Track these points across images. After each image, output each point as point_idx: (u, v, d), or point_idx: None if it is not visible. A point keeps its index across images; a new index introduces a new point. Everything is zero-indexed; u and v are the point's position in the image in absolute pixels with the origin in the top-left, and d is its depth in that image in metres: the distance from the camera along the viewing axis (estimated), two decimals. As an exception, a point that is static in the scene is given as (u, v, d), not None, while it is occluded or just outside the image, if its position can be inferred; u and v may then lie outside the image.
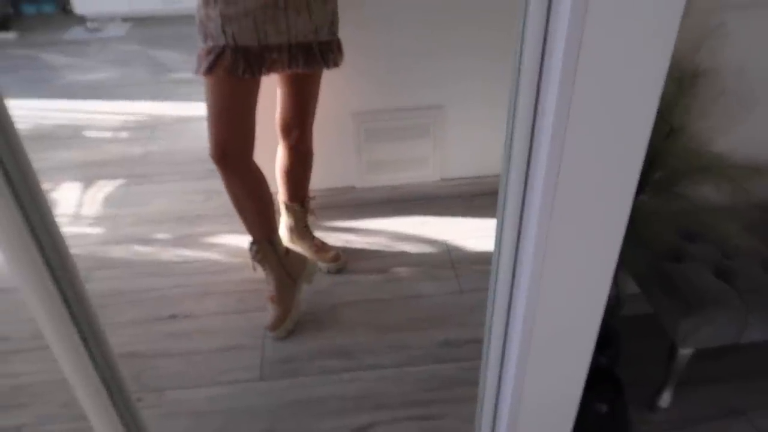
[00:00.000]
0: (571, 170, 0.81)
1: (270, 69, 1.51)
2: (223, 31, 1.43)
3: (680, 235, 1.48)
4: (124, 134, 2.93)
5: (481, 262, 2.06)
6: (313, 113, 1.80)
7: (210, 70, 1.46)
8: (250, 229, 1.74)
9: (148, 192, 2.47)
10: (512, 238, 0.95)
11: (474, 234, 2.19)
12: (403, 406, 1.59)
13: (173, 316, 1.88)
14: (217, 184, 2.49)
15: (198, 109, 3.12)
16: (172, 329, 1.84)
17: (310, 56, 1.57)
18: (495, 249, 0.99)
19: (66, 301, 0.98)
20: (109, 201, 2.42)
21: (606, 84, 0.73)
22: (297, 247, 2.01)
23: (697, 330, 1.31)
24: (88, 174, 2.61)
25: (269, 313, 1.79)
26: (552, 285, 0.90)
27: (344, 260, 2.04)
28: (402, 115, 2.19)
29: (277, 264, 1.77)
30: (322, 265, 2.02)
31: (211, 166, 2.63)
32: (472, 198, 2.37)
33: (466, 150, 2.31)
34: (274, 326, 1.77)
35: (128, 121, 3.06)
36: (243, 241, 2.17)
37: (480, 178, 2.37)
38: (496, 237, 0.99)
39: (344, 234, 2.19)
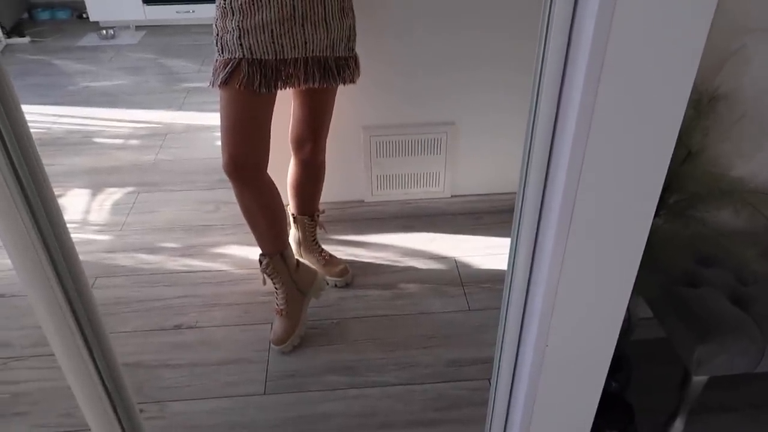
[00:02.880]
0: (589, 192, 0.79)
1: (285, 83, 1.51)
2: (240, 44, 1.43)
3: (696, 259, 1.46)
4: (134, 142, 2.94)
5: (490, 280, 2.04)
6: (327, 128, 1.79)
7: (225, 83, 1.46)
8: (262, 242, 1.72)
9: (157, 200, 2.47)
10: (526, 259, 0.93)
11: (483, 252, 2.17)
12: (408, 426, 1.56)
13: (178, 327, 1.86)
14: (226, 194, 2.50)
15: (209, 118, 3.13)
16: (177, 340, 1.82)
17: (326, 71, 1.57)
18: (508, 270, 0.97)
19: (73, 309, 0.97)
20: (117, 208, 2.42)
21: (627, 106, 0.72)
22: (305, 260, 2.00)
23: (712, 358, 1.28)
24: (97, 181, 2.60)
25: (276, 327, 1.77)
26: (566, 309, 0.88)
27: (352, 275, 2.02)
28: (413, 131, 2.18)
29: (288, 278, 1.75)
30: (330, 279, 2.00)
31: (221, 176, 2.63)
32: (482, 215, 2.35)
33: (477, 167, 2.29)
34: (281, 340, 1.75)
35: (139, 128, 3.06)
36: (250, 252, 2.16)
37: (490, 196, 2.36)
38: (509, 258, 0.97)
39: (352, 248, 2.17)
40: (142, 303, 1.95)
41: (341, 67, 1.60)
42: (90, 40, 4.22)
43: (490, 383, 1.68)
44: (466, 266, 2.11)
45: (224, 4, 1.44)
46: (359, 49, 1.66)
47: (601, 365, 0.93)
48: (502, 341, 0.97)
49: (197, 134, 2.99)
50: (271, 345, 1.77)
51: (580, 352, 0.92)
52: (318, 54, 1.53)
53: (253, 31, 1.42)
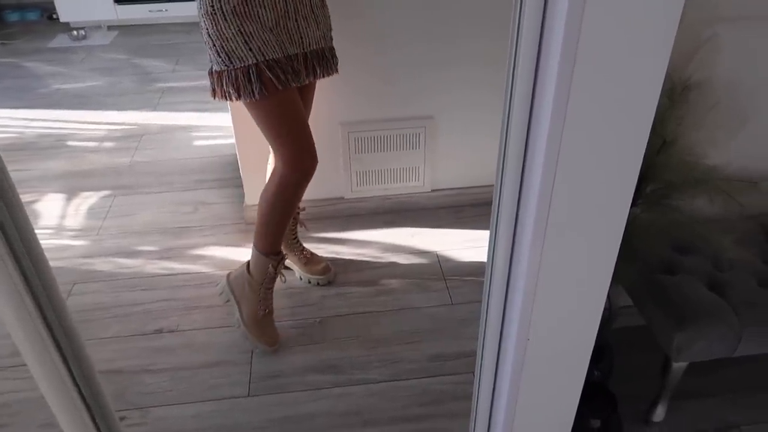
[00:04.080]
0: (565, 184, 0.79)
1: (297, 79, 1.51)
2: (249, 49, 1.41)
3: (673, 247, 1.47)
4: (109, 144, 2.89)
5: (472, 273, 2.04)
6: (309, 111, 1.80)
7: (264, 90, 1.44)
8: (279, 239, 1.71)
9: (134, 203, 2.43)
10: (505, 253, 0.93)
11: (465, 245, 2.17)
12: (393, 422, 1.56)
13: (158, 331, 1.83)
14: (203, 195, 2.47)
15: (185, 118, 3.09)
16: (158, 344, 1.79)
17: (324, 62, 1.60)
18: (487, 265, 0.97)
19: (44, 316, 0.95)
20: (93, 213, 2.38)
21: (601, 96, 0.72)
22: (286, 259, 1.99)
23: (691, 344, 1.30)
24: (71, 185, 2.56)
25: (267, 331, 1.75)
26: (547, 300, 0.88)
27: (334, 272, 2.01)
28: (392, 126, 2.17)
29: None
30: (312, 277, 1.98)
31: (199, 176, 2.60)
32: (462, 208, 2.35)
33: (457, 160, 2.29)
34: (276, 340, 1.76)
35: (113, 130, 3.01)
36: (229, 253, 2.14)
37: (471, 189, 2.36)
38: (489, 253, 0.97)
39: (333, 245, 2.16)
40: (121, 308, 1.92)
41: (333, 56, 1.64)
42: (61, 41, 4.14)
43: (474, 377, 1.68)
44: (448, 260, 2.11)
45: (212, 10, 1.39)
46: (336, 45, 1.66)
47: (583, 356, 0.94)
48: (484, 336, 0.97)
49: (173, 134, 2.95)
50: (255, 347, 1.75)
51: (561, 344, 0.92)
52: (314, 47, 1.55)
53: (257, 34, 1.41)
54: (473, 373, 1.69)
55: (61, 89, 3.49)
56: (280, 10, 1.43)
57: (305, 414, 1.58)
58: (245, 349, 1.77)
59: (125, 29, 4.32)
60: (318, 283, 1.98)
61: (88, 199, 2.46)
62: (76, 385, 1.05)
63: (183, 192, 2.49)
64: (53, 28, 4.30)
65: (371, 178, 2.28)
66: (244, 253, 2.14)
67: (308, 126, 1.59)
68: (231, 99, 1.46)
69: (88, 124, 3.09)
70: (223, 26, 1.39)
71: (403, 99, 2.14)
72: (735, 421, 1.53)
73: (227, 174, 2.57)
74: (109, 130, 3.02)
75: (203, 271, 2.07)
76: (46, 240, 2.23)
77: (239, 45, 1.40)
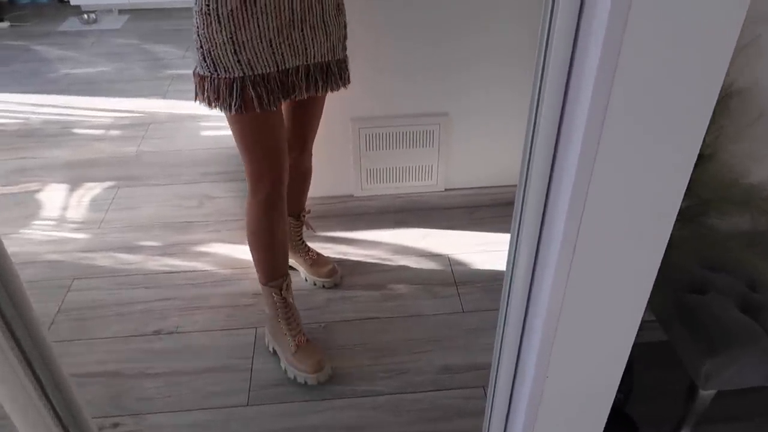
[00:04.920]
0: (600, 200, 0.69)
1: (289, 94, 1.38)
2: (237, 60, 1.27)
3: (704, 265, 1.37)
4: (115, 132, 2.82)
5: (485, 279, 1.95)
6: (315, 133, 1.68)
7: (241, 108, 1.32)
8: (273, 267, 1.60)
9: (138, 195, 2.36)
10: (525, 276, 0.84)
11: (478, 248, 2.08)
12: (399, 439, 1.48)
13: (158, 332, 1.77)
14: (209, 188, 2.40)
15: (194, 107, 3.00)
16: (157, 346, 1.73)
17: (329, 77, 1.45)
18: (504, 291, 0.88)
19: (2, 314, 0.87)
20: (96, 204, 2.32)
21: (647, 102, 0.62)
22: (290, 261, 1.91)
23: (721, 371, 1.20)
24: (75, 174, 2.50)
25: (306, 359, 1.61)
26: (571, 336, 0.79)
27: (340, 275, 1.93)
28: (405, 122, 2.08)
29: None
30: (318, 279, 1.91)
31: (206, 169, 2.53)
32: (477, 209, 2.26)
33: (472, 159, 2.20)
34: (321, 365, 1.61)
35: (121, 118, 2.94)
36: (234, 250, 2.07)
37: (486, 189, 2.26)
38: (506, 276, 0.88)
39: (341, 245, 2.08)
40: (120, 306, 1.86)
41: (342, 69, 1.48)
42: (71, 24, 4.07)
43: (484, 391, 1.60)
44: (460, 264, 2.02)
45: (207, 10, 1.24)
46: (349, 35, 1.54)
47: (607, 398, 0.85)
48: (497, 370, 0.88)
49: (182, 124, 2.87)
50: (255, 351, 1.69)
51: (584, 383, 0.83)
52: (320, 59, 1.40)
53: (250, 44, 1.26)
54: (484, 387, 1.62)
55: (70, 74, 3.43)
56: (286, 18, 1.28)
57: (307, 427, 1.51)
58: (246, 354, 1.70)
59: (136, 13, 4.24)
60: (324, 286, 1.90)
61: (92, 190, 2.40)
62: (45, 393, 0.97)
63: (188, 185, 2.41)
64: (64, 11, 4.24)
65: (382, 176, 2.19)
66: (247, 252, 2.06)
67: (279, 146, 1.44)
68: (210, 106, 1.36)
69: (95, 111, 3.02)
70: (215, 29, 1.25)
71: (418, 95, 2.04)
72: (762, 449, 1.44)
73: (233, 167, 2.50)
74: (116, 117, 2.95)
75: (206, 269, 2.00)
76: (47, 232, 2.17)
77: (227, 54, 1.27)
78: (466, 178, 2.24)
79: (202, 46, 1.29)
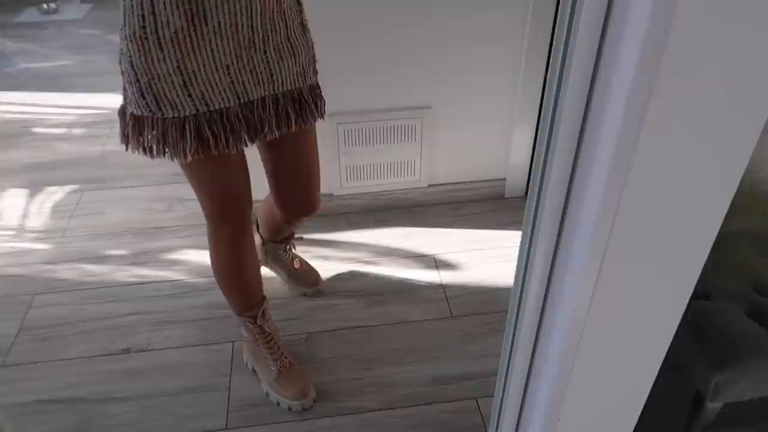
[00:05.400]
0: (639, 200, 0.58)
1: (258, 134, 1.15)
2: (189, 95, 1.04)
3: (708, 267, 1.29)
4: (78, 131, 2.66)
5: (473, 280, 1.86)
6: (318, 173, 1.41)
7: (198, 153, 1.09)
8: (243, 299, 1.48)
9: (104, 200, 2.22)
10: (536, 303, 0.73)
11: (465, 247, 1.99)
12: (388, 460, 1.39)
13: (126, 351, 1.65)
14: (179, 190, 2.26)
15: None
16: (125, 366, 1.61)
17: (302, 107, 1.21)
18: (509, 320, 0.78)
19: None
20: (58, 211, 2.17)
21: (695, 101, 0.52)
22: (272, 270, 1.80)
23: (731, 386, 1.12)
24: (36, 178, 2.34)
25: (288, 384, 1.50)
26: (589, 373, 0.70)
27: (324, 284, 1.82)
28: (385, 117, 1.96)
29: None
30: (300, 290, 1.80)
31: (175, 169, 2.38)
32: (462, 205, 2.16)
33: (456, 153, 2.09)
34: (305, 392, 1.50)
35: (84, 115, 2.78)
36: (208, 257, 1.94)
37: (471, 183, 2.16)
38: (512, 301, 0.78)
39: (321, 248, 1.97)
40: (86, 323, 1.74)
41: (317, 97, 1.25)
42: (30, 15, 3.85)
43: (477, 404, 1.52)
44: (447, 265, 1.92)
45: (144, 33, 0.98)
46: (324, 28, 1.37)
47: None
48: (500, 408, 0.79)
49: (149, 120, 2.72)
50: (235, 372, 1.58)
51: (600, 423, 0.74)
52: (290, 87, 1.17)
53: (203, 73, 1.03)
54: (476, 399, 1.54)
55: (29, 68, 3.24)
56: (245, 38, 1.04)
57: (289, 451, 1.41)
58: (223, 372, 1.59)
59: (100, 2, 4.04)
60: (305, 294, 1.79)
61: (54, 195, 2.25)
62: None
63: (157, 186, 2.28)
64: (22, 1, 4.01)
65: (363, 173, 2.08)
66: (223, 258, 1.94)
67: (242, 183, 1.27)
68: (151, 155, 1.11)
69: (56, 108, 2.85)
70: (155, 58, 1.00)
71: (398, 87, 1.92)
72: (769, 457, 1.38)
73: (206, 166, 2.36)
74: (79, 114, 2.79)
75: (178, 278, 1.88)
76: (5, 243, 2.03)
77: (175, 88, 1.03)
78: (450, 173, 2.14)
79: (138, 80, 1.03)
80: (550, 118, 0.62)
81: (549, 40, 1.86)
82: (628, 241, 0.60)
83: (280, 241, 1.72)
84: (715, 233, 0.63)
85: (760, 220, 1.00)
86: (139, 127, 1.09)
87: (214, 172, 1.20)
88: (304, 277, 1.79)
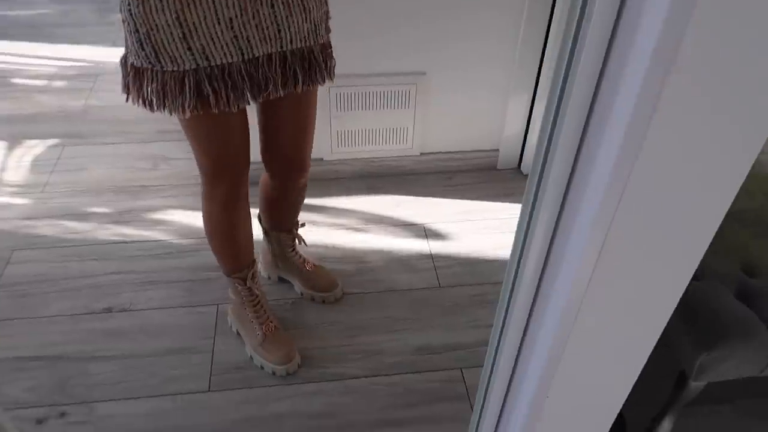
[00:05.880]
0: (653, 168, 0.56)
1: (262, 92, 1.11)
2: (188, 47, 1.00)
3: (700, 247, 1.29)
4: (60, 84, 2.57)
5: (463, 251, 1.85)
6: (312, 139, 1.37)
7: (197, 109, 1.05)
8: (233, 259, 1.44)
9: (86, 155, 2.16)
10: (534, 275, 0.71)
11: (455, 217, 1.97)
12: (371, 427, 1.39)
13: (108, 310, 1.62)
14: (164, 148, 2.20)
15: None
16: (107, 326, 1.59)
17: (311, 67, 1.15)
18: (504, 289, 0.76)
19: None
20: (38, 165, 2.11)
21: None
22: (283, 275, 1.70)
23: (716, 365, 1.13)
24: (15, 131, 2.27)
25: (274, 349, 1.49)
26: (583, 349, 0.69)
27: (341, 288, 1.68)
28: (379, 81, 1.91)
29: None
30: (316, 294, 1.65)
31: (160, 126, 2.32)
32: (454, 175, 2.14)
33: (450, 122, 2.05)
34: (290, 357, 1.49)
35: (66, 67, 2.68)
36: (193, 218, 1.91)
37: (464, 153, 2.13)
38: (509, 269, 0.76)
39: (310, 213, 1.94)
40: (67, 281, 1.70)
41: (327, 57, 1.19)
42: (9, -41, 3.68)
43: (462, 374, 1.52)
44: (437, 234, 1.91)
45: None
46: None
47: (611, 414, 0.76)
48: (488, 382, 0.78)
49: (134, 75, 2.63)
50: (217, 334, 1.56)
51: (588, 404, 0.73)
52: (299, 44, 1.11)
53: (204, 26, 0.98)
54: (462, 369, 1.54)
55: (8, 16, 3.11)
56: None
57: (272, 415, 1.41)
58: (207, 335, 1.57)
59: (83, -52, 3.86)
60: (323, 301, 1.66)
61: (34, 148, 2.18)
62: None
63: (142, 144, 2.22)
64: (1, -56, 3.83)
65: (354, 139, 2.04)
66: (209, 220, 1.91)
67: (240, 142, 1.22)
68: (151, 108, 1.07)
69: (37, 59, 2.75)
70: (154, 8, 0.96)
71: (393, 52, 1.87)
72: (746, 434, 1.40)
73: (193, 125, 2.30)
74: (60, 66, 2.69)
75: (162, 239, 1.84)
76: (-17, 196, 1.97)
77: (174, 40, 0.99)
78: (443, 142, 2.11)
79: (137, 29, 0.99)
80: (559, 87, 0.59)
81: (549, 13, 1.82)
82: (633, 221, 0.58)
83: (285, 231, 1.60)
84: (721, 218, 0.61)
85: (754, 201, 0.99)
86: (139, 79, 1.06)
87: (213, 130, 1.16)
88: (318, 281, 1.66)
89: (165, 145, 2.21)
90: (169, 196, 2.00)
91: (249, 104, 1.13)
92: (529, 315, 0.73)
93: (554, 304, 0.68)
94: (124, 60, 1.09)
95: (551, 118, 0.59)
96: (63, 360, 1.50)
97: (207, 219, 1.36)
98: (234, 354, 1.53)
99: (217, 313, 1.62)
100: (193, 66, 1.02)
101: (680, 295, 0.65)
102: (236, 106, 1.09)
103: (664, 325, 0.69)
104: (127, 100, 1.11)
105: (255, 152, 1.33)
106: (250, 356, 1.51)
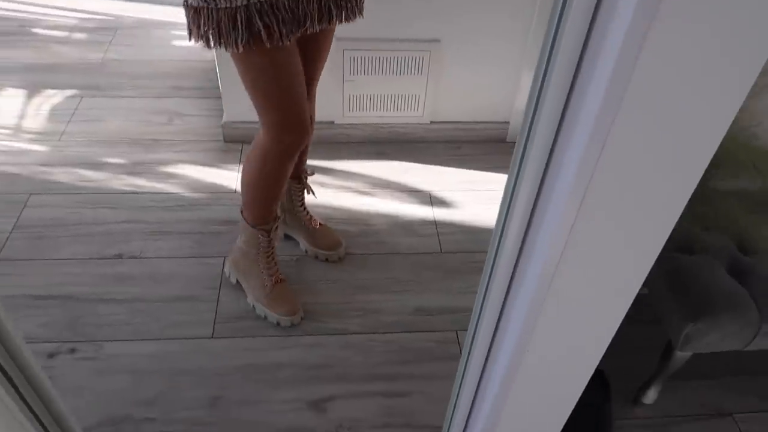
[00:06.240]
0: (623, 146, 0.58)
1: (301, 27, 1.16)
2: None
3: (696, 223, 1.31)
4: (79, 36, 2.60)
5: (466, 220, 1.88)
6: (320, 76, 1.44)
7: (250, 43, 1.11)
8: (268, 210, 1.47)
9: (102, 107, 2.20)
10: (517, 237, 0.75)
11: (460, 186, 2.00)
12: (365, 380, 1.45)
13: (119, 256, 1.68)
14: (179, 104, 2.24)
15: (166, 13, 2.79)
16: (117, 271, 1.64)
17: (344, 4, 1.22)
18: (491, 247, 0.80)
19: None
20: (56, 114, 2.15)
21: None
22: (289, 231, 1.74)
23: (702, 337, 1.16)
24: (34, 79, 2.31)
25: (282, 300, 1.54)
26: (560, 307, 0.72)
27: (345, 248, 1.72)
28: (393, 47, 1.92)
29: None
30: (320, 252, 1.70)
31: (175, 82, 2.36)
32: (462, 145, 2.16)
33: (462, 92, 2.07)
34: (296, 309, 1.56)
35: (86, 20, 2.71)
36: (204, 173, 1.96)
37: (474, 124, 2.15)
38: (495, 232, 0.79)
39: (319, 175, 1.98)
40: (80, 226, 1.76)
41: None
42: None
43: (457, 336, 1.57)
44: (441, 202, 1.94)
45: None
46: None
47: (585, 373, 0.79)
48: (474, 334, 0.82)
49: (151, 31, 2.66)
50: (224, 282, 1.62)
51: (565, 358, 0.77)
52: None
53: None
54: (457, 331, 1.59)
55: (30, -34, 3.12)
56: None
57: (272, 363, 1.46)
58: (213, 285, 1.63)
59: None
60: (327, 259, 1.71)
61: (52, 98, 2.23)
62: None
63: (157, 99, 2.25)
64: None
65: (366, 104, 2.06)
66: (219, 175, 1.95)
67: (303, 91, 1.26)
68: (208, 45, 1.13)
69: (57, 9, 2.77)
70: None
71: (409, 18, 1.88)
72: (730, 408, 1.44)
73: (207, 82, 2.33)
74: (80, 18, 2.72)
75: (173, 191, 1.89)
76: (2, 142, 2.02)
77: None
78: (453, 112, 2.12)
79: None
80: (548, 53, 0.61)
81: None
82: (611, 178, 0.60)
83: (295, 178, 1.63)
84: (697, 179, 0.63)
85: (751, 176, 1.01)
86: (197, 18, 1.11)
87: (270, 67, 1.19)
88: (323, 239, 1.71)
89: (180, 101, 2.25)
90: (181, 151, 2.04)
91: (291, 40, 1.16)
92: (513, 271, 0.76)
93: (534, 265, 0.71)
94: (186, 1, 1.14)
95: (538, 86, 0.62)
96: (74, 300, 1.56)
97: (258, 169, 1.37)
98: (238, 304, 1.58)
99: (223, 265, 1.67)
100: (244, 2, 1.07)
101: (656, 252, 0.67)
102: (288, 40, 1.14)
103: (639, 286, 0.72)
104: (190, 39, 1.16)
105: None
106: (252, 306, 1.56)
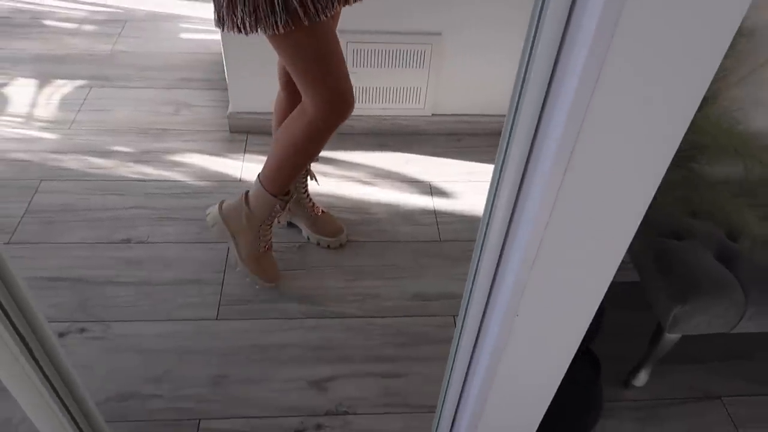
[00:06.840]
0: (599, 124, 0.63)
1: (334, 5, 1.19)
2: None
3: (686, 210, 1.35)
4: (89, 28, 2.65)
5: (465, 209, 1.92)
6: None
7: (290, 23, 1.14)
8: (293, 181, 1.51)
9: (111, 97, 2.25)
10: (507, 206, 0.79)
11: (460, 177, 2.04)
12: (365, 361, 1.50)
13: (127, 241, 1.73)
14: (187, 95, 2.29)
15: (175, 6, 2.84)
16: (125, 255, 1.70)
17: None
18: (482, 221, 0.84)
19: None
20: (66, 104, 2.20)
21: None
22: (292, 218, 1.78)
23: (689, 318, 1.21)
24: (45, 70, 2.36)
25: (267, 266, 1.62)
26: (547, 272, 0.76)
27: (346, 235, 1.77)
28: (396, 39, 1.97)
29: None
30: (321, 239, 1.75)
31: (183, 74, 2.41)
32: (463, 137, 2.20)
33: (463, 85, 2.11)
34: (277, 276, 1.64)
35: (96, 12, 2.76)
36: (210, 162, 2.00)
37: (475, 117, 2.19)
38: (486, 208, 0.84)
39: (321, 164, 2.02)
40: (89, 212, 1.81)
41: None
42: None
43: (455, 321, 1.61)
44: (441, 192, 1.98)
45: None
46: None
47: (573, 342, 0.84)
48: (468, 303, 0.86)
49: (160, 24, 2.71)
50: (230, 266, 1.67)
51: (554, 324, 0.81)
52: None
53: None
54: (454, 316, 1.63)
55: (41, -41, 3.17)
56: None
57: (274, 344, 1.51)
58: (217, 269, 1.68)
59: None
60: (329, 246, 1.75)
61: (62, 88, 2.28)
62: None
63: (165, 90, 2.30)
64: None
65: (368, 95, 2.10)
66: (224, 164, 2.00)
67: (345, 68, 1.30)
68: (245, 31, 1.16)
69: (68, 1, 2.83)
70: None
71: (411, 11, 1.92)
72: (718, 391, 1.48)
73: (215, 74, 2.38)
74: (90, 11, 2.77)
75: (180, 179, 1.94)
76: (13, 129, 2.07)
77: None
78: (455, 105, 2.16)
79: None
80: (531, 39, 0.65)
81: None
82: (592, 150, 0.64)
83: None
84: (672, 153, 0.67)
85: (733, 162, 1.05)
86: (231, 6, 1.14)
87: (308, 42, 1.21)
88: (325, 226, 1.75)
89: (187, 92, 2.30)
90: (188, 140, 2.08)
91: (329, 16, 1.19)
92: (503, 246, 0.81)
93: (519, 241, 0.76)
94: None
95: (522, 76, 0.66)
96: (83, 282, 1.62)
97: (305, 139, 1.38)
98: (243, 288, 1.63)
99: (228, 250, 1.72)
100: None
101: (635, 225, 0.72)
102: (324, 15, 1.16)
103: (617, 264, 0.76)
104: (222, 29, 1.19)
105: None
106: (238, 268, 1.61)
